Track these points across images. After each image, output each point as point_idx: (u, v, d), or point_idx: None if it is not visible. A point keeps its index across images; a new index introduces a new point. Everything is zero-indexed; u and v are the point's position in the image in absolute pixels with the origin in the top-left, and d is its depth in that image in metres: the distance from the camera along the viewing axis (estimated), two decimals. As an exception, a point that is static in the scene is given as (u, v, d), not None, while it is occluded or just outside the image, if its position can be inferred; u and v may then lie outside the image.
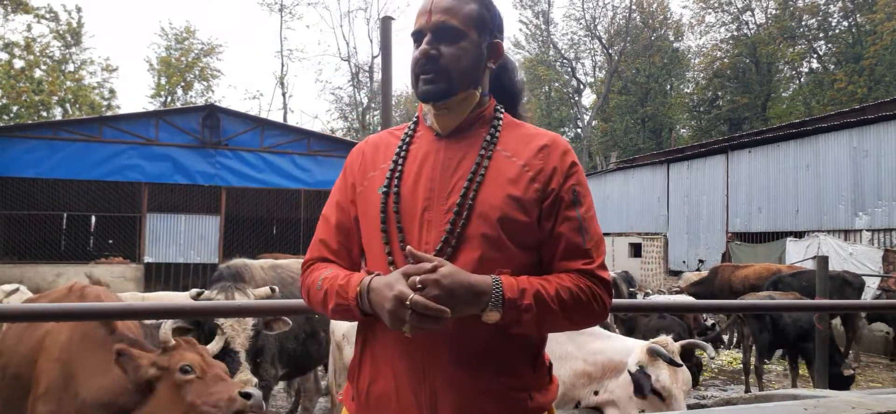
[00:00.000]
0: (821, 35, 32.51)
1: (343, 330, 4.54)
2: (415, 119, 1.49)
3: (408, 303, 1.14)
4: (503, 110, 1.47)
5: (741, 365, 8.46)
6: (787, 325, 7.39)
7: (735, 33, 35.64)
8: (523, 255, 1.31)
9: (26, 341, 2.91)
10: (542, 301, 1.22)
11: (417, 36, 1.38)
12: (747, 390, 7.59)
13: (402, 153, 1.41)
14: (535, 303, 1.21)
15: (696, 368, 7.77)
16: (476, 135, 1.39)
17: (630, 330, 8.33)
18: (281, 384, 7.49)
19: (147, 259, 15.07)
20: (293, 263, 5.47)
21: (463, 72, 1.36)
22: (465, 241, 1.28)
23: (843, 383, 6.60)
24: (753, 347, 7.91)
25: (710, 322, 9.45)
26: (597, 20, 39.96)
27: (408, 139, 1.44)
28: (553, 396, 1.40)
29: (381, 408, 1.32)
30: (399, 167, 1.39)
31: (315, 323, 4.87)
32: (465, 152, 1.36)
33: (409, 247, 1.24)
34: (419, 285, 1.15)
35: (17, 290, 6.23)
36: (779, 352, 8.24)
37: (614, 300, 1.57)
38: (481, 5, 1.41)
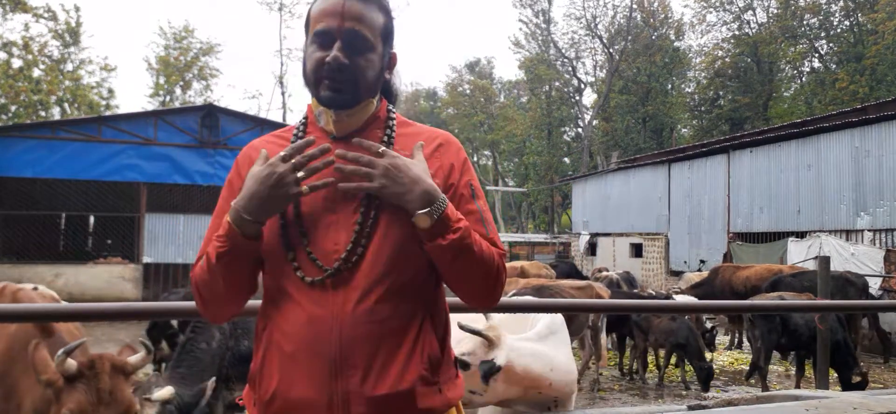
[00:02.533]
0: (822, 34, 32.48)
1: None
2: (303, 120, 1.46)
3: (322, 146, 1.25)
4: (395, 111, 1.47)
5: (741, 365, 8.44)
6: (798, 325, 7.34)
7: (736, 32, 35.61)
8: None
9: None
10: (469, 234, 1.27)
11: (324, 37, 1.33)
12: (765, 389, 7.53)
13: None
14: (464, 231, 1.26)
15: (706, 372, 7.75)
16: (371, 136, 1.38)
17: (645, 332, 8.31)
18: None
19: (146, 259, 15.04)
20: None
21: (368, 83, 1.36)
22: (377, 237, 1.29)
23: (854, 388, 6.56)
24: (761, 348, 7.86)
25: (708, 324, 9.42)
26: (597, 19, 39.96)
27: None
28: (461, 391, 1.42)
29: (288, 411, 1.28)
30: None
31: None
32: (363, 154, 1.34)
33: (356, 139, 1.30)
34: (378, 152, 1.24)
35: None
36: (778, 353, 8.20)
37: (618, 300, 1.55)
38: (387, 16, 1.41)
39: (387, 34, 1.41)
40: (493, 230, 1.40)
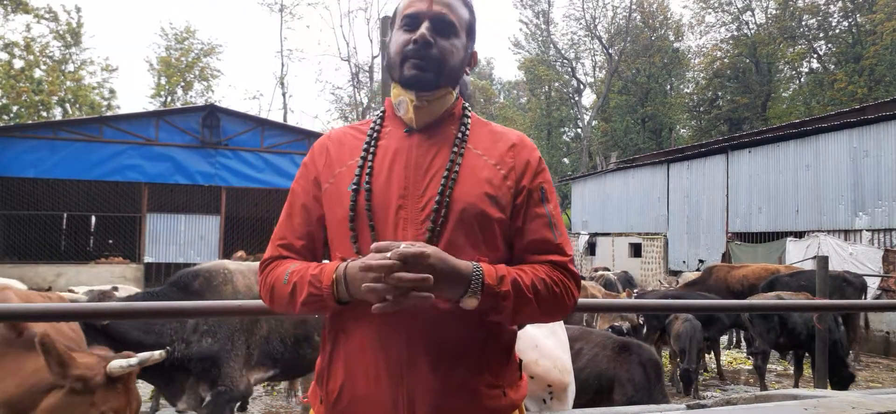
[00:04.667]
0: (821, 35, 32.51)
1: None
2: (380, 113, 1.46)
3: (393, 263, 1.12)
4: (471, 109, 1.47)
5: (741, 365, 8.48)
6: (797, 324, 7.38)
7: (735, 33, 35.65)
8: (497, 251, 1.33)
9: None
10: (519, 290, 1.24)
11: (413, 19, 1.35)
12: (763, 388, 7.58)
13: (371, 149, 1.38)
14: (512, 291, 1.23)
15: (690, 374, 7.78)
16: (447, 132, 1.38)
17: (662, 332, 8.36)
18: (283, 384, 7.51)
19: (147, 259, 15.07)
20: None
21: (451, 68, 1.37)
22: (444, 238, 1.27)
23: (843, 381, 6.61)
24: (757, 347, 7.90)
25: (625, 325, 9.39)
26: (597, 20, 40.00)
27: (375, 135, 1.40)
28: (524, 393, 1.41)
29: (355, 409, 1.29)
30: (369, 164, 1.35)
31: (309, 326, 4.72)
32: (437, 149, 1.35)
33: (375, 243, 1.20)
34: (408, 258, 1.14)
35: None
36: (777, 352, 8.24)
37: (623, 300, 1.59)
38: (471, 14, 1.44)
39: (470, 30, 1.43)
40: (563, 235, 1.36)
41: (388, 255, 1.14)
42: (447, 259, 1.19)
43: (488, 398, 1.30)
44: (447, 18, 1.35)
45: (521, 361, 1.46)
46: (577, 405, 3.97)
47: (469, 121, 1.42)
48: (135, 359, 2.51)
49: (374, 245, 1.18)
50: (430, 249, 1.17)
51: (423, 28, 1.33)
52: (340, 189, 1.35)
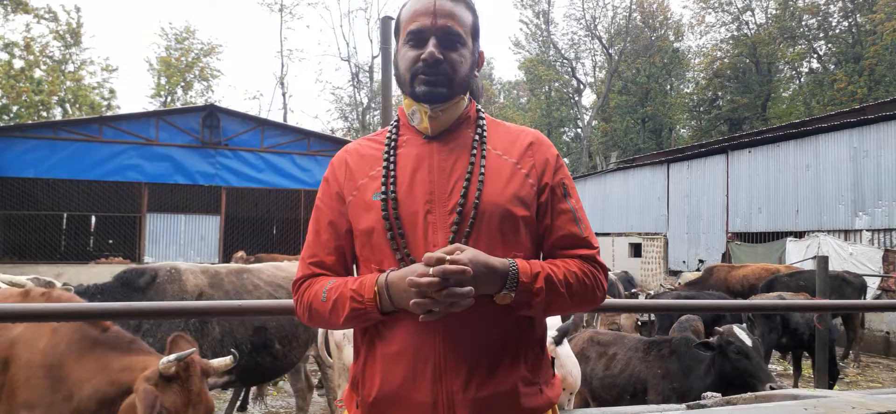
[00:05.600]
0: (821, 35, 32.51)
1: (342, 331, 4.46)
2: (394, 122, 1.47)
3: (435, 276, 1.15)
4: (484, 111, 1.48)
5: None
6: (799, 325, 7.39)
7: (735, 33, 35.65)
8: (525, 249, 1.35)
9: None
10: (552, 284, 1.27)
11: (418, 35, 1.36)
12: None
13: (392, 158, 1.39)
14: (545, 286, 1.26)
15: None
16: (463, 135, 1.40)
17: (667, 330, 8.35)
18: (282, 383, 7.50)
19: (147, 259, 15.05)
20: (262, 268, 5.12)
21: (461, 78, 1.38)
22: (474, 239, 1.29)
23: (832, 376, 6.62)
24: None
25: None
26: (597, 20, 40.01)
27: (393, 144, 1.42)
28: (559, 390, 1.43)
29: (393, 409, 1.30)
30: (392, 172, 1.37)
31: (269, 334, 4.60)
32: (458, 153, 1.37)
33: (426, 255, 1.21)
34: (451, 274, 1.16)
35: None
36: (777, 352, 8.24)
37: (626, 300, 1.61)
38: (474, 15, 1.44)
39: (475, 32, 1.44)
40: (588, 228, 1.41)
41: (431, 271, 1.16)
42: (483, 259, 1.22)
43: (526, 397, 1.31)
44: (453, 30, 1.36)
45: (553, 358, 1.48)
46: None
47: (484, 122, 1.44)
48: (173, 355, 2.54)
49: (424, 257, 1.19)
50: (467, 253, 1.20)
51: (431, 46, 1.34)
52: (365, 200, 1.36)
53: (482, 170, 1.34)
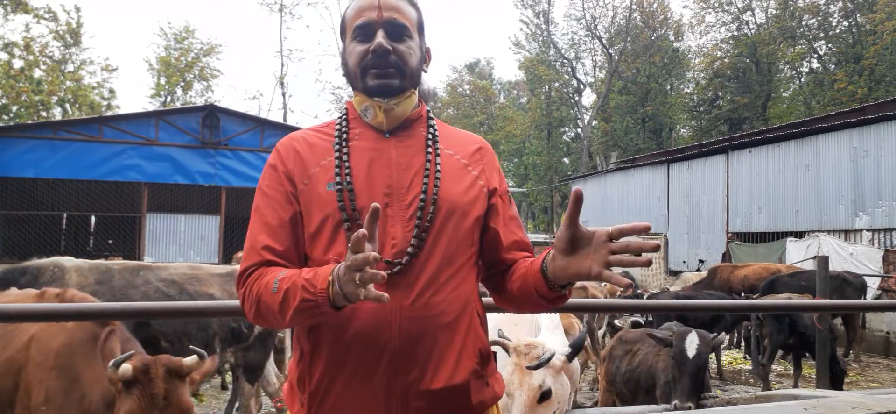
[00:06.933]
0: (821, 35, 32.50)
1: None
2: (342, 116, 1.44)
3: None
4: (432, 112, 1.50)
5: (741, 365, 8.46)
6: (806, 326, 7.37)
7: (735, 33, 35.65)
8: (476, 246, 1.41)
9: (1, 351, 2.77)
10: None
11: (366, 29, 1.35)
12: (766, 388, 7.59)
13: (344, 149, 1.36)
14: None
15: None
16: (417, 133, 1.42)
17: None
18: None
19: (147, 259, 15.06)
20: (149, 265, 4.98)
21: (412, 70, 1.39)
22: (434, 233, 1.31)
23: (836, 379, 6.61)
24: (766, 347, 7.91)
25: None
26: (597, 20, 39.98)
27: (344, 136, 1.39)
28: (502, 386, 1.45)
29: (343, 407, 1.27)
30: (346, 163, 1.34)
31: (151, 331, 4.33)
32: (414, 150, 1.38)
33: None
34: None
35: None
36: (779, 352, 8.24)
37: (627, 300, 1.65)
38: (418, 11, 1.45)
39: (421, 27, 1.45)
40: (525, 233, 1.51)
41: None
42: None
43: (476, 390, 1.34)
44: (399, 22, 1.36)
45: (494, 352, 1.52)
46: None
47: (434, 123, 1.46)
48: (112, 362, 2.42)
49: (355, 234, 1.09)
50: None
51: (379, 37, 1.34)
52: (318, 190, 1.33)
53: (438, 167, 1.36)
